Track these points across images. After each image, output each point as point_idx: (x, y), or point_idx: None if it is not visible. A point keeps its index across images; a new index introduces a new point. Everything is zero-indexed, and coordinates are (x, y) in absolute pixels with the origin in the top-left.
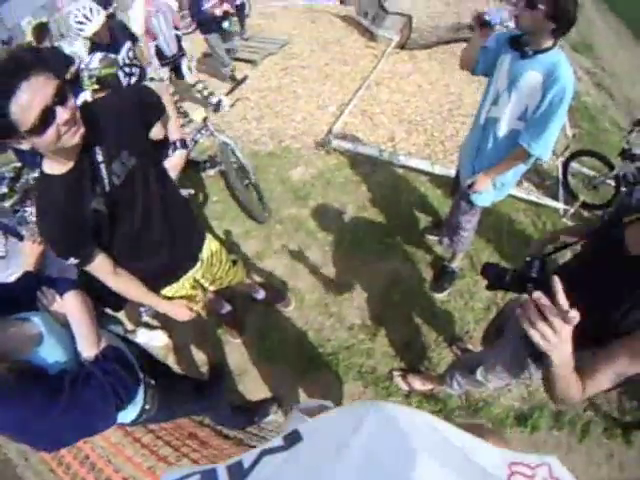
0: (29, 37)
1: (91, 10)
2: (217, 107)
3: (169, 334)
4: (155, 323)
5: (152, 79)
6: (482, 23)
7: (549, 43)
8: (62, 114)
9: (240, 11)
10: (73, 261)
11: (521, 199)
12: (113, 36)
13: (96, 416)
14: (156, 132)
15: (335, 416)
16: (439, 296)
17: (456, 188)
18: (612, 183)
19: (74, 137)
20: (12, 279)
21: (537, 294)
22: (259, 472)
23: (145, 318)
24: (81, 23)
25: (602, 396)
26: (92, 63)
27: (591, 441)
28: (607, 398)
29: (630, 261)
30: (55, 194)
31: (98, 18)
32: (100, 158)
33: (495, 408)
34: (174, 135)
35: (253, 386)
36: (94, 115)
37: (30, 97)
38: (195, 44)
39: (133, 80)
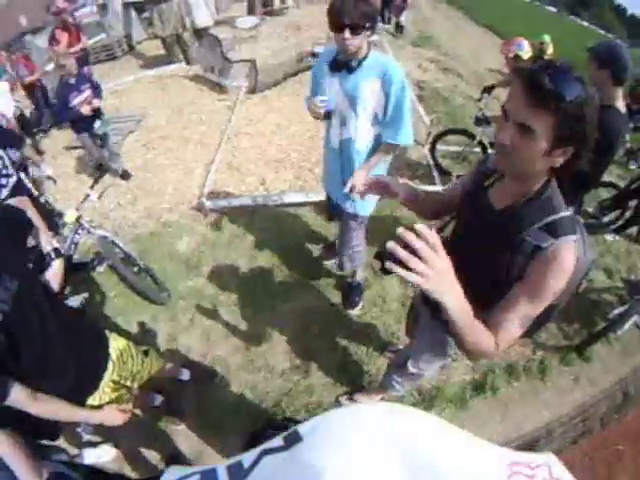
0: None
1: None
2: (86, 202)
3: (115, 445)
4: (98, 439)
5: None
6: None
7: (365, 49)
8: None
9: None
10: None
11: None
12: None
13: None
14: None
15: (334, 416)
16: (354, 312)
17: (331, 212)
18: (479, 150)
19: None
20: None
21: (390, 243)
22: (259, 472)
23: (86, 437)
24: None
25: (543, 334)
26: None
27: (553, 375)
28: (549, 333)
29: (498, 214)
30: None
31: None
32: None
33: (449, 389)
34: (46, 247)
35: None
36: None
37: None
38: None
39: (4, 194)
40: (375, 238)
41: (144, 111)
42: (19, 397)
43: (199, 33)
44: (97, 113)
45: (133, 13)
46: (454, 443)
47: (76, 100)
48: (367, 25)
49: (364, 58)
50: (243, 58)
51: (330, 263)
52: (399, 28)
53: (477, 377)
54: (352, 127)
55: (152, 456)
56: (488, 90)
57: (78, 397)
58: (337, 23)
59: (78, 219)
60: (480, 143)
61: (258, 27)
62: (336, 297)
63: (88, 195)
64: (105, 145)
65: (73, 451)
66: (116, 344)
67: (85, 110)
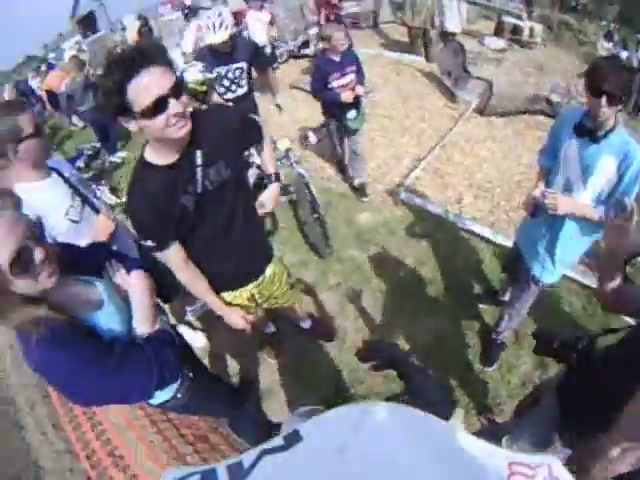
0: (131, 33)
1: (221, 24)
2: (305, 140)
3: (208, 338)
4: (197, 324)
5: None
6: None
7: (612, 121)
8: (175, 106)
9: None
10: (150, 244)
11: (574, 280)
12: (233, 49)
13: (136, 387)
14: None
15: (335, 416)
16: (486, 369)
17: (513, 266)
18: None
19: (180, 131)
20: (82, 244)
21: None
22: (259, 472)
23: (189, 317)
24: (207, 28)
25: None
26: (186, 74)
27: None
28: None
29: None
30: (151, 181)
31: (221, 34)
32: (199, 161)
33: None
34: (269, 169)
35: (278, 407)
36: (201, 122)
37: (148, 83)
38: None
39: (230, 96)
40: (534, 308)
41: (374, 86)
42: (175, 255)
43: (445, 36)
44: (356, 101)
45: None
46: (455, 443)
47: (336, 82)
48: (624, 98)
49: (610, 131)
50: (482, 76)
51: (484, 307)
52: (636, 108)
53: None
54: (575, 197)
55: (232, 367)
56: None
57: (220, 286)
58: (597, 88)
59: (288, 150)
60: None
61: (504, 52)
62: (471, 340)
63: (308, 136)
64: (351, 142)
65: (171, 321)
66: (275, 265)
67: (346, 97)
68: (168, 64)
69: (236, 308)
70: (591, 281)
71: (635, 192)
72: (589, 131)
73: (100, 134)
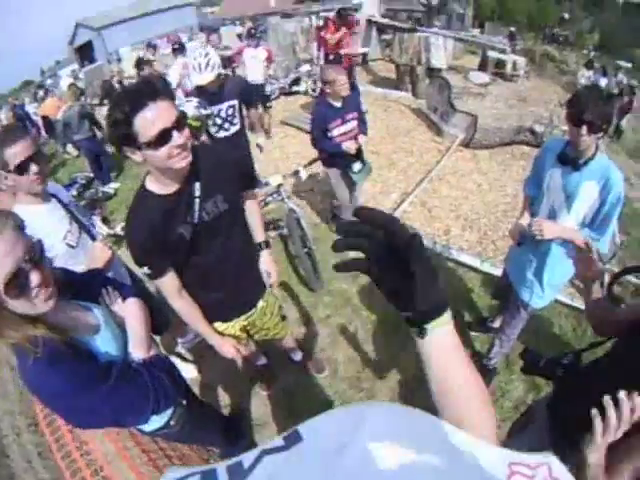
0: (128, 64)
1: (207, 65)
2: (294, 176)
3: (199, 370)
4: (188, 356)
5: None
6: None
7: (593, 149)
8: (177, 138)
9: None
10: (146, 271)
11: (563, 304)
12: (222, 88)
13: (132, 410)
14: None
15: (336, 416)
16: None
17: (503, 293)
18: None
19: (181, 162)
20: (77, 269)
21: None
22: (259, 472)
23: (180, 349)
24: (193, 68)
25: None
26: (181, 109)
27: None
28: None
29: None
30: (151, 209)
31: (206, 75)
32: (197, 193)
33: None
34: (259, 236)
35: (269, 438)
36: (202, 156)
37: (154, 115)
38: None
39: (222, 134)
40: (524, 332)
41: None
42: (170, 283)
43: (431, 72)
44: (358, 152)
45: (374, 32)
46: (455, 443)
47: (337, 130)
48: (604, 127)
49: (591, 158)
50: (467, 110)
51: (474, 335)
52: (618, 132)
53: None
54: (560, 222)
55: (223, 399)
56: None
57: (213, 317)
58: (577, 118)
59: (279, 186)
60: None
61: (488, 86)
62: None
63: (298, 171)
64: (353, 191)
65: (162, 351)
66: (267, 296)
67: (347, 147)
68: (172, 98)
69: (228, 338)
70: (580, 303)
71: (617, 214)
72: (571, 159)
73: (94, 164)
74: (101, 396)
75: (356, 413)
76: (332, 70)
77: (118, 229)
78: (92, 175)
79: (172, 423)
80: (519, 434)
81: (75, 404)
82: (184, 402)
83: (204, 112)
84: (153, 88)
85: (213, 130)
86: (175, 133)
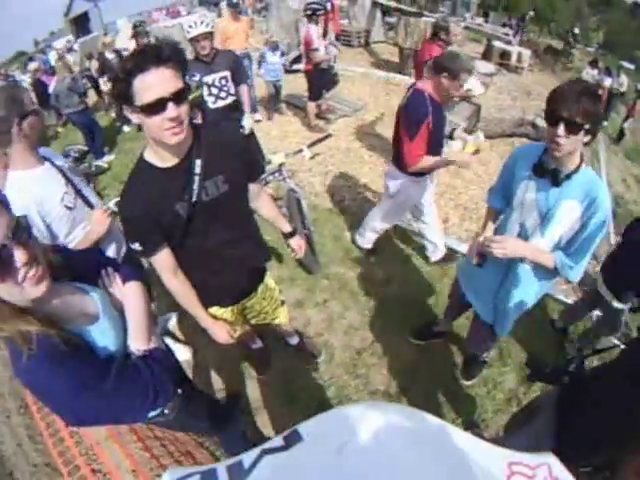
0: (124, 36)
1: (202, 22)
2: (298, 154)
3: (193, 351)
4: (180, 335)
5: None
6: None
7: (577, 159)
8: (171, 110)
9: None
10: (137, 247)
11: (558, 300)
12: (215, 58)
13: (131, 408)
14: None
15: (335, 416)
16: (467, 383)
17: (459, 309)
18: None
19: (173, 137)
20: (72, 245)
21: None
22: (259, 472)
23: (170, 328)
24: (190, 26)
25: None
26: None
27: None
28: None
29: None
30: (148, 180)
31: (202, 28)
32: (197, 170)
33: None
34: (285, 227)
35: (266, 423)
36: (207, 135)
37: (152, 82)
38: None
39: (220, 104)
40: (519, 326)
41: (364, 104)
42: (164, 262)
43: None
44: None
45: (378, 14)
46: (455, 443)
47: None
48: (587, 127)
49: (575, 171)
50: (474, 99)
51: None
52: (619, 135)
53: None
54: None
55: (217, 383)
56: None
57: (210, 300)
58: (552, 114)
59: (281, 165)
60: None
61: (493, 76)
62: (457, 357)
63: (302, 150)
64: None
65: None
66: (268, 280)
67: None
68: (181, 68)
69: (222, 323)
70: (573, 299)
71: (599, 240)
72: (550, 171)
73: (87, 137)
74: (99, 396)
75: (356, 413)
76: None
77: (111, 204)
78: (86, 148)
79: (166, 412)
80: (521, 431)
81: (71, 404)
82: (179, 391)
83: (196, 79)
84: (159, 54)
85: (211, 100)
86: (171, 105)
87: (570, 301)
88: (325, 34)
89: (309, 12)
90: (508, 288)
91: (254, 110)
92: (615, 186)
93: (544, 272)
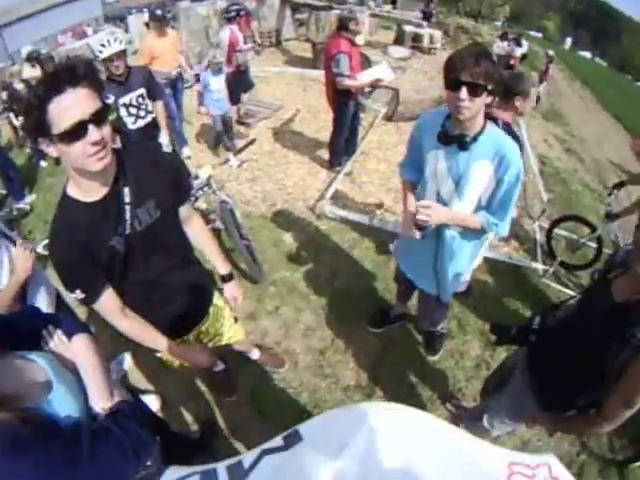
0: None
1: (115, 39)
2: (223, 164)
3: (160, 396)
4: (140, 376)
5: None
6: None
7: (481, 120)
8: (93, 133)
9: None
10: (79, 295)
11: (501, 262)
12: (129, 77)
13: (113, 474)
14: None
15: (335, 417)
16: (434, 358)
17: (407, 290)
18: (593, 244)
19: (98, 163)
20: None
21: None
22: (259, 472)
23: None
24: (102, 45)
25: (593, 439)
26: None
27: None
28: (598, 441)
29: (616, 307)
30: (76, 220)
31: (115, 46)
32: (127, 199)
33: None
34: (221, 269)
35: (245, 446)
36: (129, 159)
37: (70, 104)
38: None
39: (140, 123)
40: None
41: (282, 104)
42: (110, 304)
43: None
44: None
45: (288, 11)
46: (455, 443)
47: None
48: (489, 87)
49: (480, 132)
50: (388, 85)
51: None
52: (537, 99)
53: None
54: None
55: (189, 416)
56: (618, 186)
57: (165, 334)
58: (453, 79)
59: (209, 178)
60: (598, 238)
61: (408, 60)
62: (419, 336)
63: (229, 160)
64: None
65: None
66: (217, 300)
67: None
68: (97, 86)
69: (195, 346)
70: (517, 260)
71: (516, 196)
72: (455, 137)
73: (3, 177)
74: (77, 472)
75: (355, 413)
76: None
77: (40, 249)
78: (4, 192)
79: (149, 463)
80: (497, 395)
81: None
82: (157, 438)
83: (109, 101)
84: (74, 72)
85: (130, 121)
86: (92, 127)
87: (514, 261)
88: (247, 36)
89: (233, 14)
90: (443, 256)
91: (185, 143)
92: (538, 146)
93: (473, 233)
